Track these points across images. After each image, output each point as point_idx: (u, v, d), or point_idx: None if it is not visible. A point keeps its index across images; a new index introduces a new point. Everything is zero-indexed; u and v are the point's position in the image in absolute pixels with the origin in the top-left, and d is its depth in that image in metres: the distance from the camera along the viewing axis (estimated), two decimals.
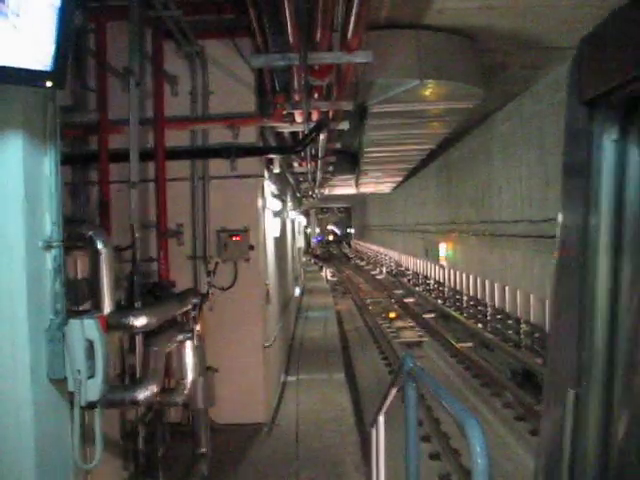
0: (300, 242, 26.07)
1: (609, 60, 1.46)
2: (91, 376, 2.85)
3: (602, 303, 1.61)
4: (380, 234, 37.46)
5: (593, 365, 1.65)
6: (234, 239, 6.85)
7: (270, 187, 8.31)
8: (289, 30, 4.82)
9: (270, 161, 8.16)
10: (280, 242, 10.93)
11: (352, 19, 4.66)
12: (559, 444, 1.80)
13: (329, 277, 32.58)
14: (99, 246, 3.52)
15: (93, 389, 2.87)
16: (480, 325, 15.34)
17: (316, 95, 6.56)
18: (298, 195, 19.06)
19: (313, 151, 10.10)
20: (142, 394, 3.75)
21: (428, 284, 23.26)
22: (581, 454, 1.73)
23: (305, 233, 39.34)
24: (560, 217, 1.75)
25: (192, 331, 4.85)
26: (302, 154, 9.77)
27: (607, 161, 1.57)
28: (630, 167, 1.54)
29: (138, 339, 4.53)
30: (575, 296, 1.68)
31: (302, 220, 26.80)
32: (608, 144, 1.56)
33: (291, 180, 14.14)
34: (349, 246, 58.74)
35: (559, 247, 1.82)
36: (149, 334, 4.32)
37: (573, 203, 1.73)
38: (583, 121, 1.60)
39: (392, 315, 17.72)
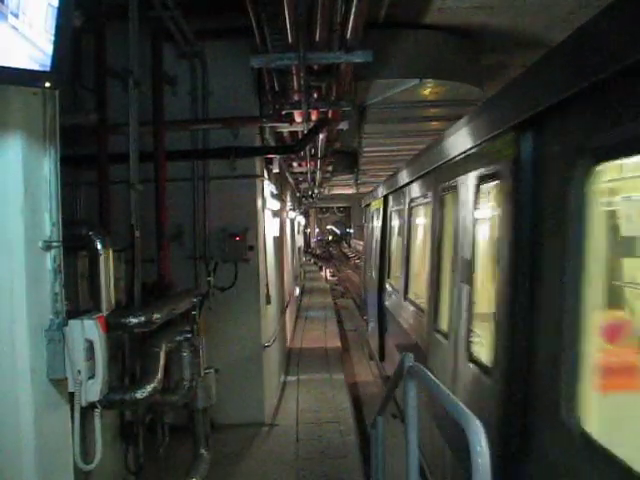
0: (300, 242, 26.06)
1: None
2: (91, 376, 2.85)
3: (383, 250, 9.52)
4: None
5: (391, 276, 8.53)
6: (234, 239, 6.86)
7: (270, 187, 8.30)
8: (288, 30, 4.81)
9: (270, 161, 8.15)
10: (279, 242, 10.92)
11: (351, 18, 4.65)
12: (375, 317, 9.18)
13: (329, 277, 32.52)
14: (99, 246, 3.52)
15: (93, 389, 2.87)
16: None
17: (315, 95, 6.56)
18: (298, 195, 19.05)
19: (312, 151, 10.10)
20: (142, 394, 3.75)
21: None
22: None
23: (305, 233, 39.30)
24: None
25: (192, 331, 4.85)
26: (301, 154, 9.76)
27: (368, 215, 12.60)
28: (373, 219, 11.21)
29: (138, 339, 4.54)
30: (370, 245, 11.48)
31: (302, 220, 26.77)
32: (369, 215, 12.34)
33: (291, 180, 14.12)
34: (349, 246, 58.63)
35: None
36: (149, 334, 4.32)
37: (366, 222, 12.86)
38: (365, 209, 13.45)
39: None
